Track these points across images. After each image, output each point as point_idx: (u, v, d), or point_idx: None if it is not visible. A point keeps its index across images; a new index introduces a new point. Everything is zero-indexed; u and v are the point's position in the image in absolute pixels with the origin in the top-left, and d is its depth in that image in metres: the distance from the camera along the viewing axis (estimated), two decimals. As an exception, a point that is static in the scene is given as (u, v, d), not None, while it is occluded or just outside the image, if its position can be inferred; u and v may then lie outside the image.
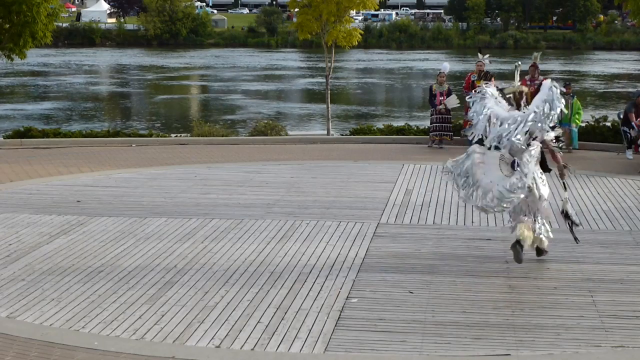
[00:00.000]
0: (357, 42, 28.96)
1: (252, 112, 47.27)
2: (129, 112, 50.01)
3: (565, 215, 11.93)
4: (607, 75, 74.56)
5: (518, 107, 11.55)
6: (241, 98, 55.46)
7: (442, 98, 21.78)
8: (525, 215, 11.43)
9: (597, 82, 67.71)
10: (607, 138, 22.40)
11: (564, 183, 11.95)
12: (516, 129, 11.06)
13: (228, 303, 9.87)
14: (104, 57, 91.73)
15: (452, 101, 21.69)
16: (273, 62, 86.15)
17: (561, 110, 11.19)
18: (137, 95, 59.51)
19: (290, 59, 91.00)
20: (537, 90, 21.56)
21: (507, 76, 62.38)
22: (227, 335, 8.92)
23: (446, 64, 23.14)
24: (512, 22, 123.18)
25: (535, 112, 11.12)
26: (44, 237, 12.71)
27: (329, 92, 29.09)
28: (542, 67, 23.14)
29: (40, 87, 61.76)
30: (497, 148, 11.29)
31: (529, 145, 11.17)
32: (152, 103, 54.19)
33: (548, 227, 11.61)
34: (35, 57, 71.32)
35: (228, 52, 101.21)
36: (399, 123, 28.45)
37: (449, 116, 22.01)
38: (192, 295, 10.15)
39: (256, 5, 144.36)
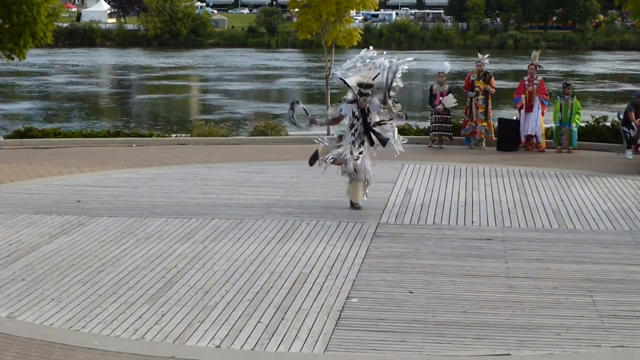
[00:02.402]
0: (357, 42, 28.98)
1: (249, 113, 47.24)
2: (102, 112, 49.65)
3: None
4: (607, 75, 74.58)
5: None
6: (230, 98, 55.40)
7: (442, 98, 21.75)
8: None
9: (597, 82, 67.71)
10: (606, 138, 22.40)
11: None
12: None
13: (228, 303, 9.88)
14: (91, 57, 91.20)
15: (450, 101, 21.63)
16: (267, 62, 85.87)
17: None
18: (114, 96, 58.95)
19: (285, 59, 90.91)
20: (537, 89, 21.70)
21: (507, 75, 62.29)
22: (227, 335, 8.92)
23: (447, 64, 23.11)
24: (512, 22, 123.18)
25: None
26: (44, 237, 12.72)
27: (329, 91, 29.12)
28: (542, 67, 23.09)
29: (18, 86, 61.41)
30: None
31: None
32: (128, 103, 54.06)
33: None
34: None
35: (221, 52, 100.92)
36: (399, 123, 28.39)
37: (448, 116, 22.01)
38: (192, 295, 10.15)
39: (256, 6, 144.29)
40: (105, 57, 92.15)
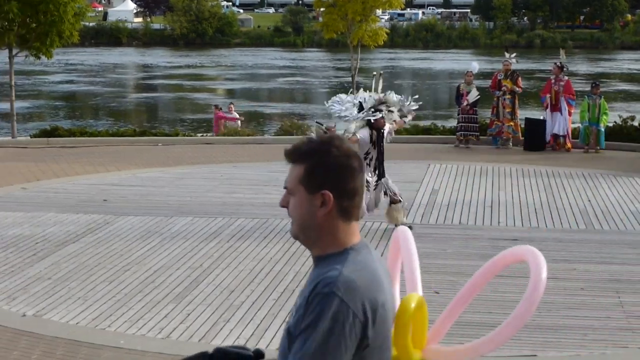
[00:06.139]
0: (382, 42, 28.97)
1: (279, 113, 47.19)
2: (85, 112, 49.40)
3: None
4: (635, 74, 74.08)
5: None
6: (222, 97, 55.20)
7: (468, 97, 21.65)
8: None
9: (625, 81, 67.29)
10: (634, 138, 22.24)
11: None
12: None
13: (254, 302, 9.88)
14: (99, 57, 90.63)
15: (473, 94, 21.51)
16: (271, 62, 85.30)
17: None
18: (105, 95, 58.40)
19: (290, 60, 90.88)
20: (562, 89, 21.49)
21: (534, 74, 62.05)
22: (252, 334, 8.92)
23: (475, 64, 23.01)
24: (539, 21, 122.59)
25: None
26: (70, 236, 12.77)
27: (355, 91, 29.06)
28: (569, 67, 22.97)
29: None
30: None
31: None
32: (118, 103, 54.01)
33: None
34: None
35: (234, 52, 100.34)
36: (425, 123, 28.35)
37: (475, 116, 21.87)
38: (217, 294, 10.16)
39: (282, 5, 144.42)
40: (112, 57, 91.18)
